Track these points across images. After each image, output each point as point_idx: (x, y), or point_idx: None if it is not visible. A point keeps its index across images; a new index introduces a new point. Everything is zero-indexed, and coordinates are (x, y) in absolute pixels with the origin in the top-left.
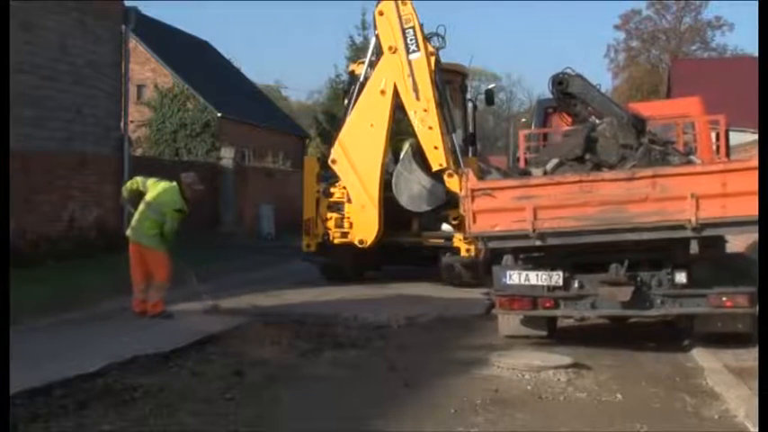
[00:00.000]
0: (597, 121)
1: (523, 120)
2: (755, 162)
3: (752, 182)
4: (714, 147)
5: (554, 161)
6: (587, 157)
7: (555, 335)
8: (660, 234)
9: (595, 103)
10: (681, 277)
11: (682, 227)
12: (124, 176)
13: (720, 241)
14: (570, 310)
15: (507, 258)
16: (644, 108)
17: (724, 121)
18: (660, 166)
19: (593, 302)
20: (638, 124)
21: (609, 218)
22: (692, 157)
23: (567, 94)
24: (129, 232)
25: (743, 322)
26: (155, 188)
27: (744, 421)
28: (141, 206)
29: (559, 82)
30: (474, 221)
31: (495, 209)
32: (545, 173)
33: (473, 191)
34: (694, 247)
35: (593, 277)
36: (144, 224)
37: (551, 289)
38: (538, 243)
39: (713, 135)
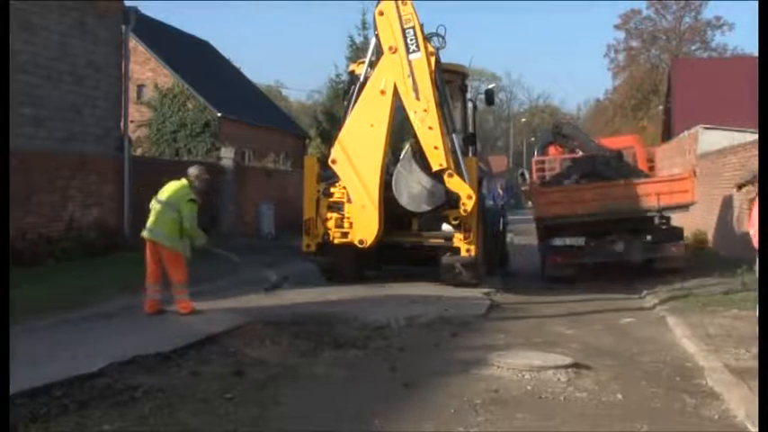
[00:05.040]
0: (585, 154)
1: (523, 119)
2: (687, 174)
3: (684, 185)
4: (648, 165)
5: (575, 176)
6: (594, 174)
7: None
8: (638, 214)
9: (580, 140)
10: (648, 238)
11: (650, 210)
12: (124, 176)
13: (668, 219)
14: (589, 258)
15: (553, 232)
16: (605, 142)
17: (655, 151)
18: (636, 178)
19: (602, 253)
20: (618, 155)
21: (611, 206)
22: (650, 173)
23: (561, 134)
24: (145, 233)
25: (682, 261)
26: (162, 191)
27: (744, 421)
28: (157, 206)
29: (556, 126)
30: (537, 210)
31: (549, 202)
32: (573, 182)
33: (537, 191)
34: (657, 221)
35: (602, 240)
36: (164, 225)
37: (578, 247)
38: (572, 221)
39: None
